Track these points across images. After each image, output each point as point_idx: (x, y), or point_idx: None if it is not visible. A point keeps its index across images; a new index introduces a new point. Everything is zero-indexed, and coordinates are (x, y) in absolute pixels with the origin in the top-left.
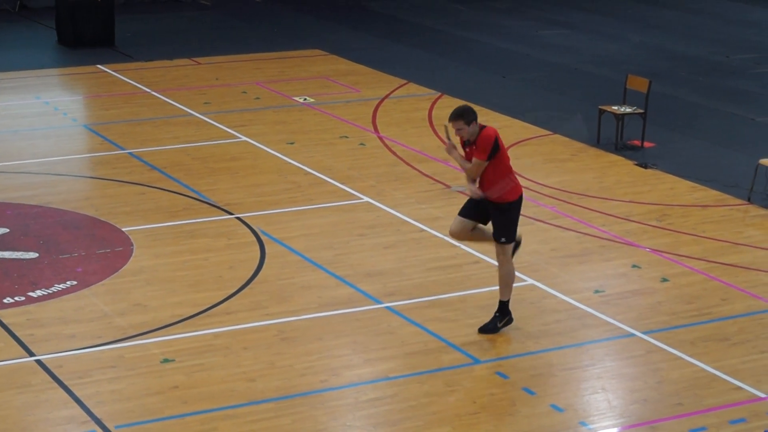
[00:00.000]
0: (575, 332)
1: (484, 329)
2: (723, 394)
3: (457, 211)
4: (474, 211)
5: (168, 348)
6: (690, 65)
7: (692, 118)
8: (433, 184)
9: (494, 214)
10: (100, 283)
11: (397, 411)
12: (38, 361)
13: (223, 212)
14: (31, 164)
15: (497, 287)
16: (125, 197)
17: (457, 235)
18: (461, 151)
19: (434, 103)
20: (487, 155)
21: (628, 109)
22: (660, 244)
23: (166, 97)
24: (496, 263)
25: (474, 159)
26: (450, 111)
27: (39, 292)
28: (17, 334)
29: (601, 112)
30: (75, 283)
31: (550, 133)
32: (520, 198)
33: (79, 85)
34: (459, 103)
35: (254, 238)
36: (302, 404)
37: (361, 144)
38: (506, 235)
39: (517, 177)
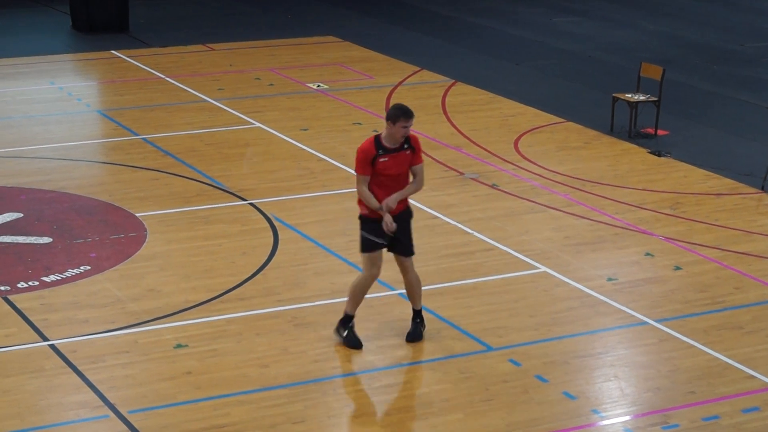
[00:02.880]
0: (588, 320)
1: (413, 337)
2: (736, 383)
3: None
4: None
5: (181, 333)
6: (704, 53)
7: (706, 106)
8: (446, 171)
9: (404, 226)
10: (114, 268)
11: (409, 397)
12: (51, 346)
13: (236, 198)
14: (45, 149)
15: (511, 274)
16: (139, 183)
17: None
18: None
19: (448, 90)
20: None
21: (642, 97)
22: (673, 232)
23: (180, 83)
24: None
25: (420, 165)
26: (464, 98)
27: (52, 277)
28: (31, 318)
29: (615, 99)
30: (88, 268)
31: (564, 120)
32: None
33: (94, 71)
34: (473, 90)
35: (267, 224)
36: (315, 390)
37: (375, 131)
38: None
39: (531, 164)
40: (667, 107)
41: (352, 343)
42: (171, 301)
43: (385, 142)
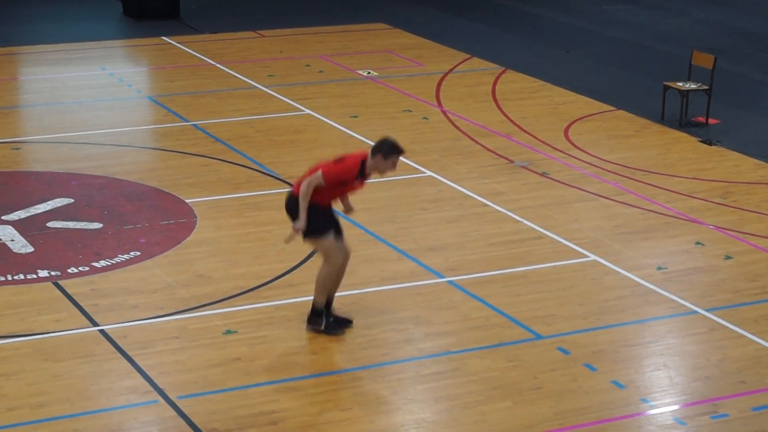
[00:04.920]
0: (637, 309)
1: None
2: None
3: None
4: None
5: (230, 320)
6: (755, 42)
7: (758, 95)
8: (496, 158)
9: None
10: (163, 254)
11: (458, 385)
12: (102, 331)
13: (286, 185)
14: (96, 135)
15: (560, 263)
16: (189, 169)
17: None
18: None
19: (498, 77)
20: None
21: (693, 86)
22: (724, 221)
23: (230, 70)
24: None
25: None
26: (514, 86)
27: (103, 263)
28: (81, 304)
29: (666, 88)
30: (138, 253)
31: (614, 108)
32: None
33: (144, 57)
34: (523, 77)
35: None
36: (364, 377)
37: (425, 118)
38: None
39: (581, 153)
40: (719, 96)
41: (336, 329)
42: (220, 288)
43: (367, 171)
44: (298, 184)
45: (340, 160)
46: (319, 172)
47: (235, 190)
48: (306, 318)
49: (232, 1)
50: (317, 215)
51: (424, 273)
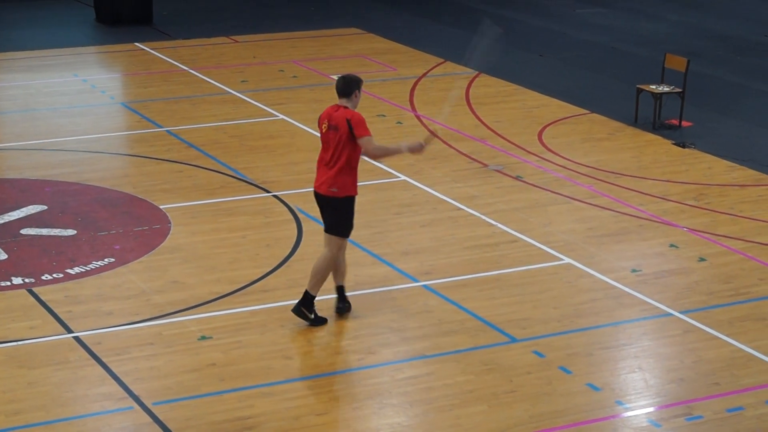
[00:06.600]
0: (612, 311)
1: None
2: (760, 374)
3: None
4: None
5: (205, 325)
6: (728, 44)
7: (730, 97)
8: (470, 162)
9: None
10: (138, 260)
11: (433, 389)
12: (76, 338)
13: (260, 190)
14: (69, 142)
15: (535, 266)
16: (163, 175)
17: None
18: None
19: (471, 81)
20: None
21: (666, 89)
22: (697, 223)
23: (204, 75)
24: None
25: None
26: (487, 90)
27: (77, 269)
28: (55, 310)
29: (639, 91)
30: (113, 260)
31: (588, 111)
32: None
33: (117, 63)
34: (496, 81)
35: (291, 216)
36: (339, 382)
37: (398, 122)
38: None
39: (555, 156)
40: (692, 98)
41: (320, 322)
42: (195, 293)
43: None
44: (324, 183)
45: (356, 122)
46: (367, 137)
47: (209, 195)
48: (296, 306)
49: (204, 7)
50: (351, 210)
51: (399, 277)
